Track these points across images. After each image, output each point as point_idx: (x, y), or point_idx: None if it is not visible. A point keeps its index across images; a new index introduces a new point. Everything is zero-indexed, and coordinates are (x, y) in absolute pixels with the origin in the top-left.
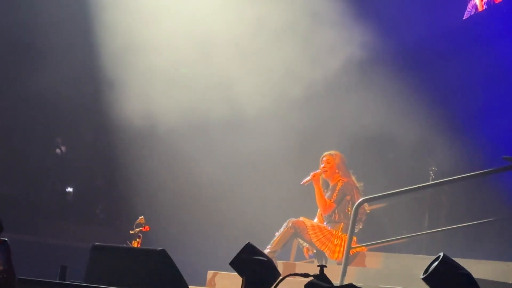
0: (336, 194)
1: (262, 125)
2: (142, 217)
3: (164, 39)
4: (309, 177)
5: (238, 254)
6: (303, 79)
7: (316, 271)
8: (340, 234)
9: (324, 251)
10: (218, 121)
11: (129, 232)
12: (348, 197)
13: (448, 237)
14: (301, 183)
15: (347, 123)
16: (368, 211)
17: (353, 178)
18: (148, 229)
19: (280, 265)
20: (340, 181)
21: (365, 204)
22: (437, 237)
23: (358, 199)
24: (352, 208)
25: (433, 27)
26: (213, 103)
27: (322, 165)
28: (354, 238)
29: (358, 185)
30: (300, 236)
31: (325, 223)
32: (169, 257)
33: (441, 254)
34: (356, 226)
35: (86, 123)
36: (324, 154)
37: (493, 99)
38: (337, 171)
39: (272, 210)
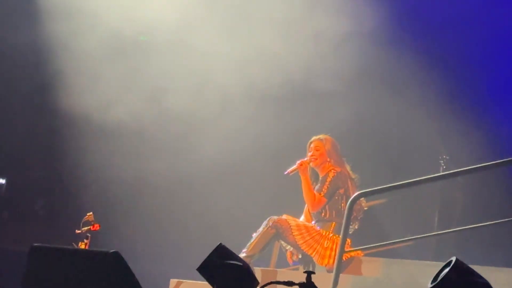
0: (327, 187)
1: (237, 105)
2: (91, 213)
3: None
4: (295, 166)
5: (207, 258)
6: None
7: (302, 279)
8: (331, 235)
9: (312, 255)
10: (183, 106)
11: (75, 231)
12: (342, 190)
13: (462, 240)
14: (285, 173)
15: (341, 105)
16: (365, 208)
17: (348, 167)
18: (98, 228)
19: (258, 272)
20: (332, 171)
21: (362, 199)
22: (449, 240)
23: (353, 192)
24: (346, 203)
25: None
26: (175, 91)
27: (310, 153)
28: (348, 241)
29: (353, 177)
30: (282, 237)
31: (313, 222)
32: (124, 261)
33: (454, 259)
34: (351, 226)
35: (21, 105)
36: (312, 139)
37: None
38: (328, 159)
39: (249, 207)
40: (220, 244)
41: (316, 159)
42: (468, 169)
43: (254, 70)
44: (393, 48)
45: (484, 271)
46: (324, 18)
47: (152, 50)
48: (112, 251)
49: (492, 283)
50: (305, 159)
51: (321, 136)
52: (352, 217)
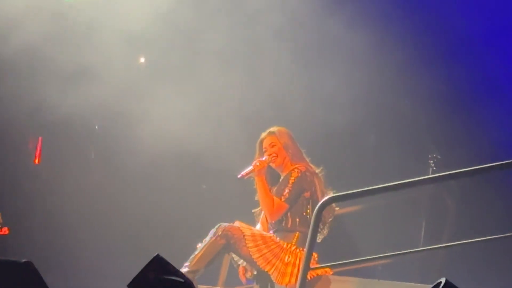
0: (290, 190)
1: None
2: None
3: None
4: (251, 167)
5: (141, 272)
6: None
7: None
8: (293, 248)
9: (270, 272)
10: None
11: None
12: (307, 194)
13: (453, 258)
14: (239, 176)
15: (306, 91)
16: (336, 209)
17: (308, 161)
18: (6, 232)
19: None
20: (296, 170)
21: (332, 204)
22: (437, 257)
23: (322, 195)
24: (312, 209)
25: None
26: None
27: (266, 153)
28: (315, 255)
29: (318, 171)
30: (234, 249)
31: (271, 232)
32: (37, 272)
33: (443, 280)
34: (318, 233)
35: None
36: (263, 135)
37: None
38: (287, 153)
39: (194, 212)
40: (157, 255)
41: (277, 157)
42: (464, 171)
43: None
44: (383, 38)
45: None
46: None
47: None
48: (23, 260)
49: None
50: (264, 158)
51: (272, 129)
52: (320, 224)
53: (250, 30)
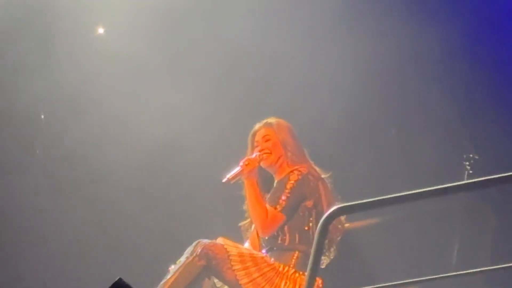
0: (287, 197)
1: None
2: None
3: None
4: (238, 169)
5: None
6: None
7: None
8: (292, 272)
9: None
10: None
11: None
12: (310, 202)
13: (494, 285)
14: (224, 180)
15: (309, 76)
16: (346, 225)
17: (312, 163)
18: None
19: None
20: (295, 172)
21: (342, 217)
22: (474, 284)
23: (328, 203)
24: (316, 223)
25: None
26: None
27: (257, 148)
28: (319, 281)
29: (325, 176)
30: (216, 273)
31: (264, 251)
32: None
33: None
34: (323, 256)
35: None
36: (256, 127)
37: None
38: (285, 152)
39: (166, 225)
40: (120, 279)
41: (270, 153)
42: (509, 175)
43: None
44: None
45: None
46: None
47: None
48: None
49: None
50: (252, 156)
51: (269, 120)
52: (325, 242)
53: None
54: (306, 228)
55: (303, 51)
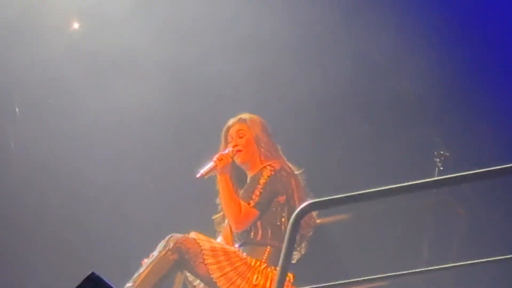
0: (261, 193)
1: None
2: None
3: None
4: (211, 164)
5: None
6: None
7: None
8: (264, 266)
9: None
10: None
11: None
12: (282, 198)
13: (464, 281)
14: (198, 175)
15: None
16: (318, 221)
17: (285, 159)
18: None
19: None
20: (267, 168)
21: (312, 212)
22: (445, 279)
23: (299, 199)
24: (288, 218)
25: None
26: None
27: (230, 143)
28: (290, 276)
29: (298, 172)
30: (189, 267)
31: (236, 245)
32: None
33: None
34: (295, 251)
35: None
36: (230, 122)
37: None
38: (257, 148)
39: (139, 219)
40: (92, 273)
41: (242, 150)
42: (480, 172)
43: None
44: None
45: None
46: None
47: None
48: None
49: None
50: (225, 151)
51: (243, 116)
52: (297, 237)
53: None
54: (278, 223)
55: (276, 46)
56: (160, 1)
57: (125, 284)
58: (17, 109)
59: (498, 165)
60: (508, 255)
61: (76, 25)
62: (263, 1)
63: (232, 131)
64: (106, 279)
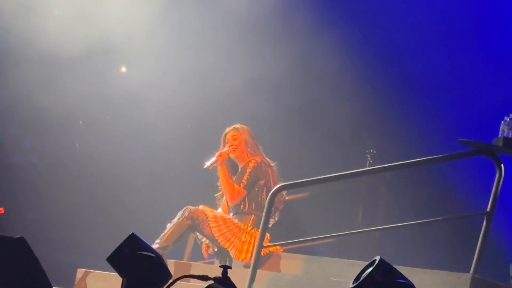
0: (247, 178)
1: (149, 99)
2: None
3: None
4: (214, 159)
5: (118, 248)
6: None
7: (217, 273)
8: (249, 229)
9: (229, 249)
10: (94, 95)
11: None
12: (262, 182)
13: (386, 239)
14: (205, 167)
15: (258, 91)
16: (286, 198)
17: (264, 155)
18: (2, 211)
19: (171, 265)
20: (252, 161)
21: (283, 192)
22: (373, 238)
23: (274, 182)
24: (266, 195)
25: None
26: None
27: (227, 144)
28: (267, 235)
29: (272, 164)
30: (198, 229)
31: (231, 214)
32: (29, 247)
33: (377, 258)
34: (271, 218)
35: None
36: (227, 130)
37: (448, 72)
38: (246, 148)
39: (165, 197)
40: (132, 233)
41: (236, 149)
42: (396, 164)
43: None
44: (316, 37)
45: (409, 272)
46: None
47: None
48: (17, 236)
49: (416, 285)
50: (224, 150)
51: (236, 125)
52: (272, 209)
53: None
54: (259, 199)
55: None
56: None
57: (154, 241)
58: (80, 122)
59: (407, 160)
60: (416, 220)
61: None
62: None
63: (228, 136)
64: (142, 237)
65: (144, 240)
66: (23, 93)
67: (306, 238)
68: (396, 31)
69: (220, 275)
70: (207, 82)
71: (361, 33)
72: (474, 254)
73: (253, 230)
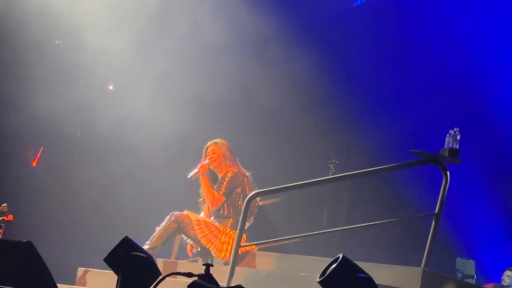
0: (225, 186)
1: (140, 112)
2: (6, 204)
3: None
4: (196, 170)
5: (114, 249)
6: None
7: (200, 270)
8: (228, 230)
9: (210, 249)
10: (91, 104)
11: None
12: (239, 189)
13: (348, 238)
14: (188, 177)
15: (236, 107)
16: (260, 203)
17: (240, 166)
18: (11, 218)
19: (160, 263)
20: (230, 171)
21: (257, 198)
22: (336, 238)
23: (250, 190)
24: (243, 201)
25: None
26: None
27: (208, 157)
28: (244, 236)
29: (248, 174)
30: (183, 231)
31: (212, 218)
32: (36, 250)
33: (340, 256)
34: (247, 222)
35: None
36: (208, 144)
37: (402, 87)
38: (224, 160)
39: (154, 203)
40: (126, 237)
41: (214, 161)
42: (356, 172)
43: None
44: (287, 62)
45: (368, 267)
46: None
47: None
48: (25, 240)
49: (375, 279)
50: (204, 162)
51: (216, 140)
52: (248, 213)
53: None
54: (237, 204)
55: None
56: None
57: (145, 242)
58: (78, 133)
59: (366, 169)
60: (373, 221)
61: (111, 86)
62: None
63: (209, 150)
64: (134, 240)
65: (136, 242)
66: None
67: (278, 238)
68: (355, 55)
69: (203, 272)
70: (191, 102)
71: (326, 57)
72: (424, 250)
73: (231, 232)
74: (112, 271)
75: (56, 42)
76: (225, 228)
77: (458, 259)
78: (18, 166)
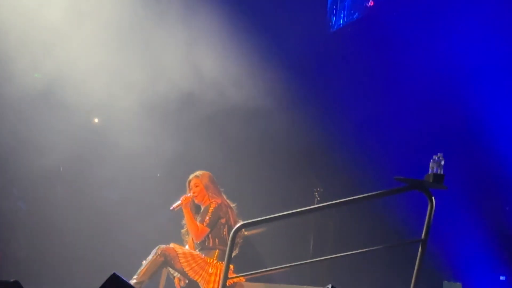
0: (209, 217)
1: (126, 145)
2: None
3: None
4: (179, 202)
5: (102, 286)
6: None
7: None
8: (215, 262)
9: (198, 281)
10: (75, 136)
11: None
12: (223, 220)
13: (336, 266)
14: (171, 208)
15: (217, 138)
16: (245, 233)
17: (225, 197)
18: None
19: None
20: (213, 202)
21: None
22: (322, 266)
23: (234, 221)
24: (228, 231)
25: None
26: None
27: (191, 190)
28: (231, 267)
29: (232, 205)
30: (170, 265)
31: (197, 250)
32: None
33: (329, 286)
34: (233, 253)
35: None
36: (190, 177)
37: (385, 113)
38: (207, 192)
39: (140, 237)
40: (114, 273)
41: (197, 195)
42: (340, 201)
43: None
44: (267, 96)
45: None
46: None
47: None
48: (12, 280)
49: None
50: (188, 195)
51: (197, 173)
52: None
53: None
54: (222, 235)
55: None
56: None
57: (132, 276)
58: (61, 168)
59: (350, 196)
60: (360, 249)
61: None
62: None
63: (192, 183)
64: (122, 276)
65: (124, 278)
66: (7, 150)
67: (265, 269)
68: (336, 80)
69: None
70: (173, 135)
71: (305, 84)
72: (412, 274)
73: (218, 263)
74: None
75: (36, 75)
76: (212, 260)
77: (445, 282)
78: (1, 199)
